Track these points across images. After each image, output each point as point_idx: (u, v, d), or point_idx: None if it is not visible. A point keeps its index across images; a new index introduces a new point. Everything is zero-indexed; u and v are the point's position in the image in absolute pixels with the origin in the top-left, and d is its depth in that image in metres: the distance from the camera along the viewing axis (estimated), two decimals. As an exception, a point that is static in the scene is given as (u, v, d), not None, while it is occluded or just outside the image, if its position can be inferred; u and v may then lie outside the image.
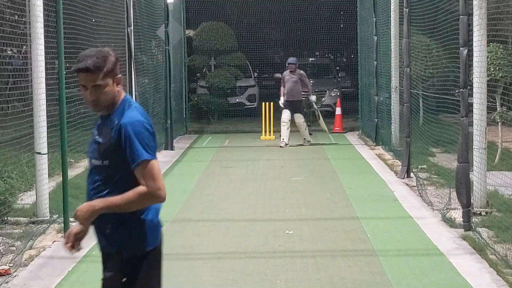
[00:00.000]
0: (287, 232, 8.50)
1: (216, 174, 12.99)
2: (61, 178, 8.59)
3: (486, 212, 8.67)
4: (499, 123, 12.01)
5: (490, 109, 10.97)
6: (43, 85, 8.68)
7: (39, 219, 8.74)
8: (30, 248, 7.70)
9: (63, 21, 8.41)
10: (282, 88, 16.86)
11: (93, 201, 3.78)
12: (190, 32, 23.98)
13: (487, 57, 9.74)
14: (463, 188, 8.24)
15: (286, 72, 16.86)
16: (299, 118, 16.71)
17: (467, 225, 8.15)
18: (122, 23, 13.21)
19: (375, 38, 16.25)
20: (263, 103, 18.77)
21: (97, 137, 3.88)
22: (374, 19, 16.37)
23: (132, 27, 12.83)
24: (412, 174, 11.76)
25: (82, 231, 3.78)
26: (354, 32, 20.96)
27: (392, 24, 14.40)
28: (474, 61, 8.62)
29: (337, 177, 12.38)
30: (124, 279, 3.85)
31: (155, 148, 3.84)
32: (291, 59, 16.94)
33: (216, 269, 7.10)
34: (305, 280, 6.70)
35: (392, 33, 14.38)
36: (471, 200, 8.33)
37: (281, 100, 16.84)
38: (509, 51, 11.93)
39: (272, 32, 26.35)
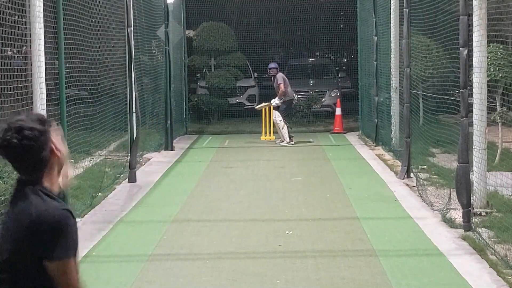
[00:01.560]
0: (287, 232, 8.50)
1: (216, 174, 12.99)
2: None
3: (486, 213, 8.67)
4: (499, 124, 12.01)
5: (490, 109, 10.96)
6: (43, 85, 8.69)
7: (39, 219, 8.73)
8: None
9: (63, 22, 8.41)
10: (286, 89, 17.28)
11: None
12: (190, 33, 23.97)
13: (487, 58, 9.73)
14: (463, 188, 8.24)
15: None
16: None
17: (467, 225, 8.15)
18: (122, 24, 13.21)
19: (375, 38, 16.24)
20: (263, 103, 18.76)
21: None
22: (374, 19, 16.37)
23: (132, 28, 12.82)
24: (412, 175, 11.76)
25: None
26: (354, 33, 20.96)
27: (392, 25, 14.39)
28: (474, 61, 8.62)
29: (337, 177, 12.38)
30: None
31: None
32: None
33: (216, 269, 7.10)
34: (305, 280, 6.70)
35: (392, 33, 14.37)
36: (471, 200, 8.34)
37: (277, 100, 17.43)
38: (509, 52, 11.93)
39: (272, 33, 26.34)
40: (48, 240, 2.77)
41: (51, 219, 2.79)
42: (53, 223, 2.78)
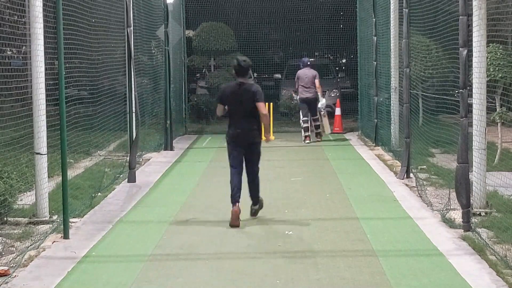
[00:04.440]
0: (287, 232, 8.50)
1: (216, 174, 12.97)
2: (60, 179, 8.59)
3: (486, 213, 8.68)
4: (499, 124, 12.02)
5: (490, 109, 10.97)
6: (43, 86, 8.68)
7: (38, 219, 8.74)
8: (30, 248, 7.70)
9: (62, 22, 8.40)
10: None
11: None
12: (190, 33, 23.98)
13: (487, 58, 9.74)
14: (463, 188, 8.24)
15: None
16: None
17: (466, 225, 8.16)
18: (121, 24, 13.21)
19: (375, 38, 16.25)
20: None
21: None
22: (374, 19, 16.37)
23: (131, 28, 12.82)
24: (411, 175, 11.77)
25: None
26: (354, 33, 20.97)
27: (391, 25, 14.40)
28: (473, 61, 8.62)
29: (336, 177, 12.39)
30: None
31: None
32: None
33: (216, 269, 7.11)
34: (305, 280, 6.70)
35: (391, 33, 14.38)
36: (471, 200, 8.34)
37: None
38: (508, 52, 11.93)
39: (271, 33, 26.34)
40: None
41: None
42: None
